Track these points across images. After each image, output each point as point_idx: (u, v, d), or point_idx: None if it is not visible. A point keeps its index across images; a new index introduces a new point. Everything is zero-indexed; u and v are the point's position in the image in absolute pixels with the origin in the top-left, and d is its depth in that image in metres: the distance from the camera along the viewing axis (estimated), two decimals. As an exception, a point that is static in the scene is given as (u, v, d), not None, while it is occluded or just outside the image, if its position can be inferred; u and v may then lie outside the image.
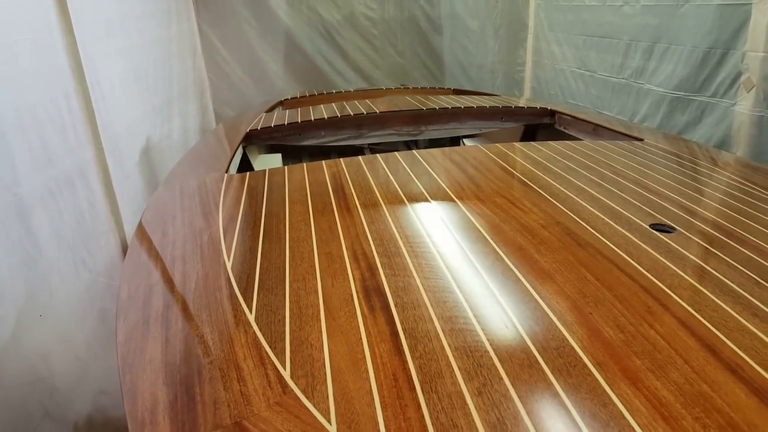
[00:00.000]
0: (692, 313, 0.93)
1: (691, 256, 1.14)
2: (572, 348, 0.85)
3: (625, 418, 0.71)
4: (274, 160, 2.65)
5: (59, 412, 1.69)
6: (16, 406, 1.54)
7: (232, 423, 0.73)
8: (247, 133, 2.53)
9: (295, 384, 0.79)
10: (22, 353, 1.58)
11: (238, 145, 2.37)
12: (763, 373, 0.79)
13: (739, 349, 0.84)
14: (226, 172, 1.92)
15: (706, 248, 1.19)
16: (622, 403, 0.73)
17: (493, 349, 0.85)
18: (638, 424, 0.70)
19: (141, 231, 1.52)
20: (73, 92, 2.02)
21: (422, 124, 2.74)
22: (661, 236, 1.23)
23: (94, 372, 1.87)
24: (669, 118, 2.96)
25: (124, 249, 2.23)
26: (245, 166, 2.42)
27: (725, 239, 1.23)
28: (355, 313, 0.96)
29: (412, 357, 0.84)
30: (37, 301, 1.66)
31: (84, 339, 1.88)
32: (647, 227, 1.28)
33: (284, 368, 0.83)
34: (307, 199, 1.53)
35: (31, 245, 1.66)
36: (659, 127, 3.01)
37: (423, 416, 0.72)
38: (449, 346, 0.86)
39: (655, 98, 3.05)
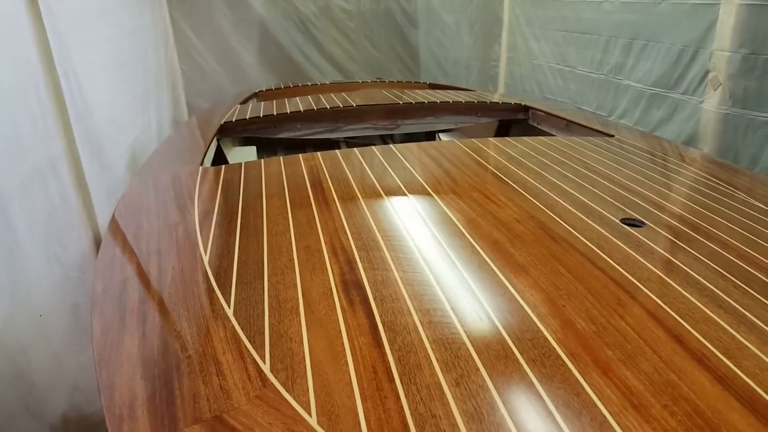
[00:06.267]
0: (661, 305, 0.97)
1: (660, 250, 1.18)
2: (546, 339, 0.87)
3: (596, 406, 0.73)
4: (249, 152, 2.63)
5: (38, 408, 1.67)
6: None
7: (212, 417, 0.73)
8: (222, 125, 2.50)
9: (275, 377, 0.80)
10: (4, 349, 1.55)
11: (213, 138, 2.35)
12: (727, 361, 0.82)
13: (705, 339, 0.87)
14: (201, 165, 1.90)
15: (674, 242, 1.23)
16: (594, 393, 0.76)
17: (470, 341, 0.87)
18: (609, 413, 0.72)
19: (114, 225, 1.50)
20: (42, 83, 1.97)
21: (398, 119, 2.75)
22: (631, 230, 1.27)
23: (67, 368, 1.84)
24: (646, 114, 3.03)
25: (98, 243, 2.19)
26: (220, 158, 2.39)
27: (692, 233, 1.27)
28: (335, 306, 0.97)
29: (391, 349, 0.85)
30: (18, 295, 1.63)
31: (58, 334, 1.85)
32: (618, 222, 1.31)
33: (264, 362, 0.84)
34: (285, 193, 1.53)
35: (12, 239, 1.63)
36: (637, 122, 3.08)
37: (402, 407, 0.73)
38: (427, 338, 0.88)
39: (634, 94, 3.11)
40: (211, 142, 2.28)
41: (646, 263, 1.11)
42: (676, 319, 0.93)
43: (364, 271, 1.09)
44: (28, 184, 1.77)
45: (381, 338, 0.88)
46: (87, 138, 2.25)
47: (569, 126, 2.48)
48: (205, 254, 1.19)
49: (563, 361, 0.82)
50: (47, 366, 1.75)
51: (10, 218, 1.63)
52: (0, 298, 1.55)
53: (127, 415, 0.76)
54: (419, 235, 1.25)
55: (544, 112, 2.69)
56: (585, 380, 0.78)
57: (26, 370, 1.64)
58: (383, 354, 0.84)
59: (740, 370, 0.80)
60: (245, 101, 3.40)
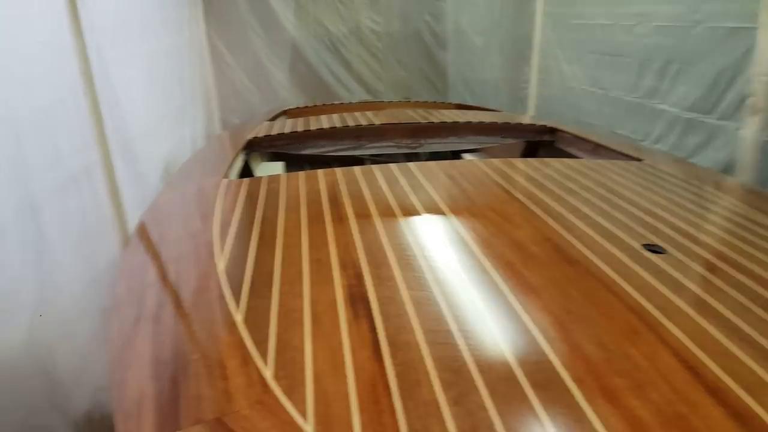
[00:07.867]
0: (677, 335, 0.93)
1: (681, 278, 1.14)
2: (552, 363, 0.86)
3: None
4: (275, 167, 2.68)
5: (63, 406, 1.72)
6: (25, 398, 1.57)
7: (213, 419, 0.76)
8: (249, 140, 2.56)
9: (277, 384, 0.82)
10: (32, 347, 1.62)
11: (239, 152, 2.41)
12: (745, 397, 0.78)
13: (723, 372, 0.84)
14: (227, 177, 1.95)
15: (697, 271, 1.19)
16: (599, 421, 0.74)
17: (473, 361, 0.86)
18: None
19: (141, 231, 1.56)
20: (81, 95, 2.06)
21: (421, 138, 2.76)
22: (651, 257, 1.23)
23: (93, 369, 1.90)
24: (682, 139, 2.93)
25: None
26: (246, 172, 2.45)
27: (717, 262, 1.22)
28: (339, 319, 0.98)
29: (392, 364, 0.86)
30: (46, 296, 1.70)
31: (85, 336, 1.91)
32: (638, 247, 1.28)
33: (267, 369, 0.85)
34: (302, 207, 1.55)
35: (43, 243, 1.70)
36: (673, 148, 2.99)
37: (397, 422, 0.74)
38: (429, 355, 0.88)
39: (669, 118, 3.03)
40: (237, 156, 2.34)
41: (665, 291, 1.08)
42: (691, 349, 0.89)
43: (372, 286, 1.09)
44: (62, 191, 1.85)
45: (382, 353, 0.88)
46: (122, 149, 2.34)
47: (596, 149, 2.45)
48: (221, 263, 1.22)
49: (568, 387, 0.80)
50: (73, 366, 1.80)
51: (42, 223, 1.70)
52: (28, 299, 1.61)
53: (135, 412, 0.79)
54: (430, 253, 1.25)
55: (572, 134, 2.66)
56: (590, 407, 0.76)
57: (52, 369, 1.70)
58: (383, 369, 0.84)
59: (760, 407, 0.76)
60: (274, 118, 3.47)
